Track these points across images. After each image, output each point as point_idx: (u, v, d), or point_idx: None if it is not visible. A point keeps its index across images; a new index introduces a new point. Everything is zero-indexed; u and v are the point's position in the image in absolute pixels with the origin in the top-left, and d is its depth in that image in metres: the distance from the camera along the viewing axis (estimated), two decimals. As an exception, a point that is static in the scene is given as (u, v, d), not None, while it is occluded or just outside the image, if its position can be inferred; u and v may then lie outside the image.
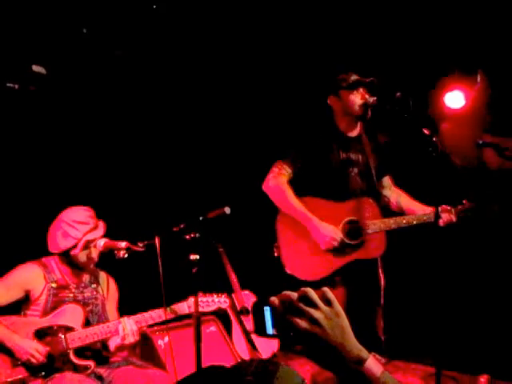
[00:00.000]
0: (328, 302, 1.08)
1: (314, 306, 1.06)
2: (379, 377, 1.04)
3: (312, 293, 1.08)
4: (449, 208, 3.24)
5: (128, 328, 2.88)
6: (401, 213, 3.49)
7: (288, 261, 3.31)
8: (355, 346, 1.06)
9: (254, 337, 3.81)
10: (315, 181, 3.33)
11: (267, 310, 1.10)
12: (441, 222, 3.21)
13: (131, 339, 2.89)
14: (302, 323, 1.04)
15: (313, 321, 1.05)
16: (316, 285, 3.25)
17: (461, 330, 4.03)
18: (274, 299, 1.08)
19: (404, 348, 4.09)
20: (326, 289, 1.09)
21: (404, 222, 3.26)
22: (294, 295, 1.08)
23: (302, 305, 1.06)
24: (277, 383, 1.18)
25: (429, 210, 3.30)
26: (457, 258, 3.99)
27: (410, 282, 4.38)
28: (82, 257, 3.02)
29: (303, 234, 3.27)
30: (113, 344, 2.95)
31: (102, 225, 3.07)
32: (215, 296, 3.04)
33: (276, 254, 3.36)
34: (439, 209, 3.19)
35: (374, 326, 3.33)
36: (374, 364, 1.05)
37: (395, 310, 3.50)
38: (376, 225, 3.25)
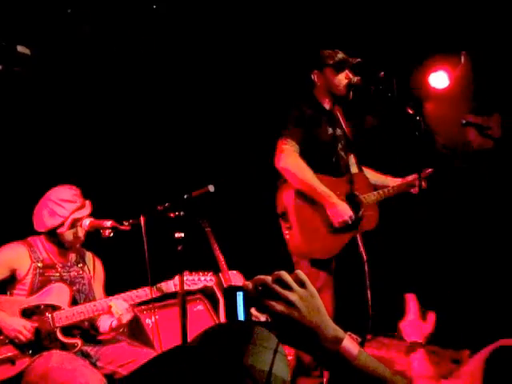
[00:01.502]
0: (302, 284, 1.07)
1: (289, 288, 1.06)
2: (356, 355, 1.04)
3: (286, 275, 1.07)
4: (417, 175, 3.40)
5: (120, 307, 2.90)
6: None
7: (304, 241, 3.25)
8: (331, 327, 1.06)
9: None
10: (310, 155, 3.30)
11: (239, 295, 1.08)
12: (416, 190, 3.44)
13: (128, 316, 2.91)
14: (278, 306, 1.04)
15: (289, 303, 1.04)
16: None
17: (443, 305, 4.09)
18: (248, 283, 1.07)
19: (388, 324, 4.15)
20: (298, 271, 1.09)
21: (390, 191, 3.47)
22: (269, 279, 1.07)
23: (277, 287, 1.05)
24: (251, 350, 1.18)
25: (398, 180, 3.56)
26: (442, 233, 4.06)
27: (392, 257, 4.43)
28: (69, 236, 3.02)
29: (317, 212, 3.25)
30: (105, 325, 2.97)
31: (88, 204, 3.07)
32: (201, 274, 3.07)
33: (288, 237, 3.31)
34: (410, 178, 3.52)
35: (362, 302, 3.37)
36: (350, 343, 1.05)
37: (378, 285, 3.55)
38: (370, 197, 3.35)
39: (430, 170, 3.53)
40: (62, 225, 2.99)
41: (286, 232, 3.32)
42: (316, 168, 3.30)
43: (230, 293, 1.10)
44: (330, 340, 1.05)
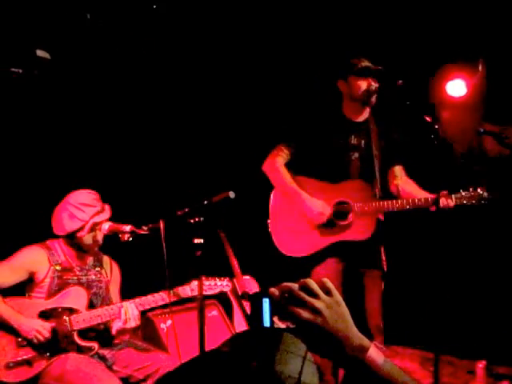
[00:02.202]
0: (327, 292, 1.08)
1: (315, 295, 1.06)
2: (381, 365, 1.04)
3: (312, 283, 1.07)
4: (447, 193, 3.26)
5: (130, 312, 2.92)
6: None
7: (276, 236, 3.47)
8: (357, 335, 1.06)
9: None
10: (315, 162, 3.43)
11: (266, 302, 1.08)
12: (434, 207, 3.21)
13: (132, 323, 2.92)
14: (304, 313, 1.04)
15: (314, 310, 1.04)
16: (307, 263, 3.37)
17: (459, 315, 4.07)
18: (274, 290, 1.07)
19: (402, 333, 4.14)
20: (325, 279, 1.09)
21: (397, 205, 3.24)
22: (295, 286, 1.07)
23: (303, 295, 1.06)
24: (280, 356, 1.18)
25: (429, 196, 3.27)
26: (456, 244, 4.03)
27: (408, 268, 4.42)
28: (88, 239, 3.04)
29: (293, 210, 3.39)
30: (115, 327, 2.98)
31: (108, 208, 3.10)
32: (218, 279, 3.08)
33: (270, 230, 3.50)
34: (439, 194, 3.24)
35: (374, 310, 3.36)
36: (375, 352, 1.05)
37: (393, 295, 3.53)
38: (363, 207, 3.28)
39: (445, 192, 3.29)
40: (81, 229, 3.01)
41: (268, 225, 3.52)
42: (318, 174, 3.41)
43: (256, 299, 1.10)
44: (356, 348, 1.05)
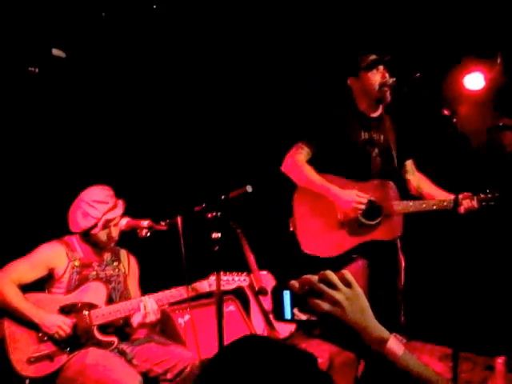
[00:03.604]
0: (347, 284, 1.09)
1: (335, 288, 1.07)
2: (401, 356, 1.05)
3: (332, 275, 1.08)
4: (470, 195, 3.23)
5: (149, 306, 2.93)
6: (419, 197, 3.49)
7: (302, 236, 3.33)
8: (376, 327, 1.07)
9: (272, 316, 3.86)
10: (336, 160, 3.32)
11: (286, 294, 1.10)
12: (461, 209, 3.21)
13: (152, 317, 2.94)
14: (324, 305, 1.05)
15: (334, 302, 1.05)
16: (331, 263, 3.29)
17: (478, 311, 4.04)
18: (294, 283, 1.09)
19: (421, 329, 4.11)
20: (345, 271, 1.10)
21: (423, 206, 3.25)
22: (315, 278, 1.08)
23: (323, 287, 1.07)
24: None
25: (450, 196, 3.26)
26: (477, 242, 3.99)
27: (427, 264, 4.39)
28: (103, 236, 3.06)
29: (320, 210, 3.28)
30: (135, 321, 3.00)
31: (121, 203, 3.10)
32: (235, 274, 3.08)
33: (291, 229, 3.39)
34: (460, 196, 3.20)
35: (394, 306, 3.34)
36: (395, 344, 1.06)
37: (412, 291, 3.51)
38: (397, 207, 3.26)
39: (468, 193, 3.27)
40: (95, 226, 3.02)
41: (291, 225, 3.39)
42: (340, 171, 3.30)
43: (276, 292, 1.12)
44: (375, 340, 1.06)
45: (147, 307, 2.93)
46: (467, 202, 3.19)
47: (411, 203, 3.27)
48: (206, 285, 3.04)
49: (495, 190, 3.21)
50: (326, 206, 3.27)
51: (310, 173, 3.30)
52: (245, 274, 3.11)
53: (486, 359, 4.00)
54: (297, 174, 3.36)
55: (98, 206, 3.02)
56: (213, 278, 3.00)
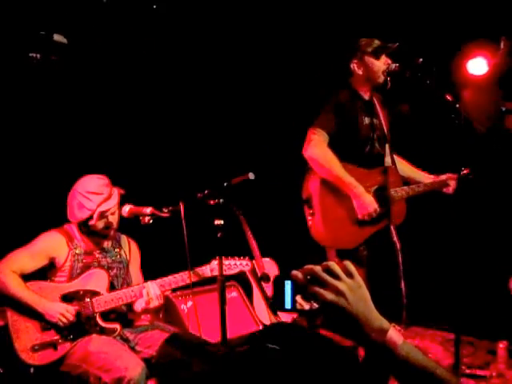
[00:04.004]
0: (350, 275, 1.11)
1: (338, 278, 1.09)
2: (400, 346, 1.07)
3: (335, 266, 1.10)
4: (455, 176, 3.32)
5: (152, 292, 2.94)
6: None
7: (322, 227, 3.31)
8: (377, 317, 1.10)
9: (274, 302, 3.86)
10: (343, 144, 3.31)
11: (288, 284, 1.11)
12: (450, 190, 3.39)
13: (156, 303, 2.94)
14: (328, 294, 1.07)
15: (338, 292, 1.07)
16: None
17: (479, 295, 4.05)
18: (297, 273, 1.10)
19: (422, 314, 4.13)
20: (347, 262, 1.12)
21: (421, 189, 3.38)
22: (318, 268, 1.10)
23: (326, 277, 1.09)
24: None
25: (431, 177, 3.47)
26: (477, 224, 4.00)
27: (428, 250, 4.40)
28: (100, 225, 3.04)
29: (342, 202, 3.27)
30: (139, 306, 3.01)
31: (116, 193, 3.06)
32: (237, 259, 3.09)
33: (310, 223, 3.36)
34: (444, 177, 3.41)
35: (396, 290, 3.36)
36: (395, 334, 1.09)
37: (413, 276, 3.52)
38: (400, 192, 3.30)
39: (466, 170, 3.39)
40: (90, 218, 3.00)
41: (309, 218, 3.37)
42: (348, 157, 3.30)
43: (278, 281, 1.13)
44: (376, 330, 1.08)
45: (150, 293, 2.93)
46: (454, 183, 3.34)
47: (410, 188, 3.38)
48: (208, 270, 3.03)
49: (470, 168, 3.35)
50: (349, 200, 3.27)
51: (339, 167, 3.24)
52: (247, 258, 3.11)
53: (488, 343, 4.02)
54: (326, 165, 3.26)
55: (92, 198, 2.98)
56: (215, 263, 3.00)
